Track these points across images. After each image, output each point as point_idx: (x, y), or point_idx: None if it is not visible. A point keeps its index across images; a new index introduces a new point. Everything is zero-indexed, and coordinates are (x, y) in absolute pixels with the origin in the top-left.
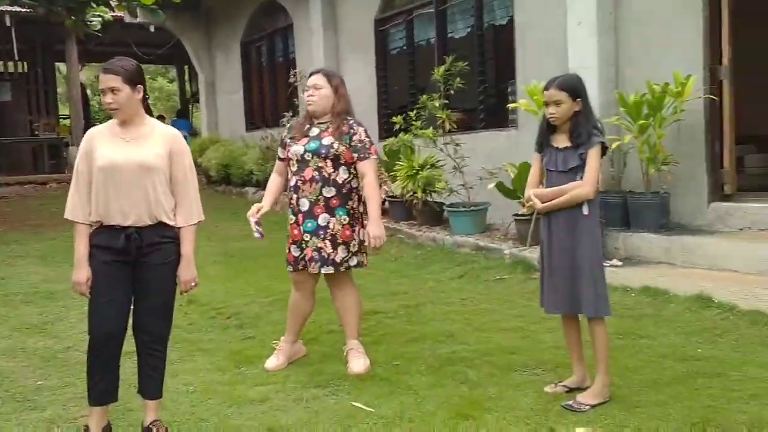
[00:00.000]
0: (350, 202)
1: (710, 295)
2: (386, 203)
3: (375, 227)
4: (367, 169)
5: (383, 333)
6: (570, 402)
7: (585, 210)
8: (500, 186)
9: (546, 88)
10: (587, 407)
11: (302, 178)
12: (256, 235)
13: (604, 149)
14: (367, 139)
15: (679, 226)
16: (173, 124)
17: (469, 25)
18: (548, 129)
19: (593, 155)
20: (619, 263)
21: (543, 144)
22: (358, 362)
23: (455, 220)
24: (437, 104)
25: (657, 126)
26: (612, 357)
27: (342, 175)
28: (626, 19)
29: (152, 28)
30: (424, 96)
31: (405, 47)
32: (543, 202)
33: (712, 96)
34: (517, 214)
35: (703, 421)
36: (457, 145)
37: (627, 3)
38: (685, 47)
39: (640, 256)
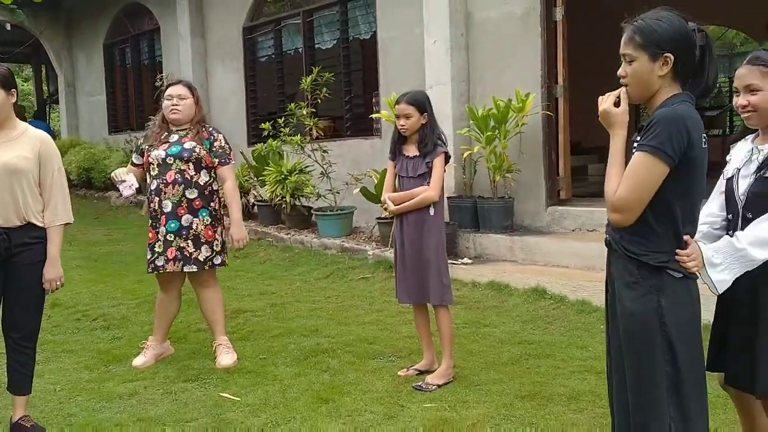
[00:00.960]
0: (212, 204)
1: (545, 288)
2: (255, 207)
3: (238, 229)
4: (228, 174)
5: (251, 330)
6: (419, 383)
7: (431, 211)
8: (364, 191)
9: (397, 103)
10: (434, 386)
11: (164, 181)
12: (127, 192)
13: (447, 158)
14: (227, 146)
15: (522, 228)
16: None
17: (335, 38)
18: (399, 139)
19: (438, 163)
20: (469, 261)
21: (395, 152)
22: (226, 357)
23: (323, 223)
24: (305, 112)
25: (502, 138)
26: (458, 343)
27: (203, 177)
28: (477, 39)
29: (8, 26)
30: (292, 104)
31: (273, 55)
32: (396, 205)
33: (548, 112)
34: (380, 218)
35: (532, 394)
36: (325, 151)
37: (477, 25)
38: (527, 67)
39: (488, 254)
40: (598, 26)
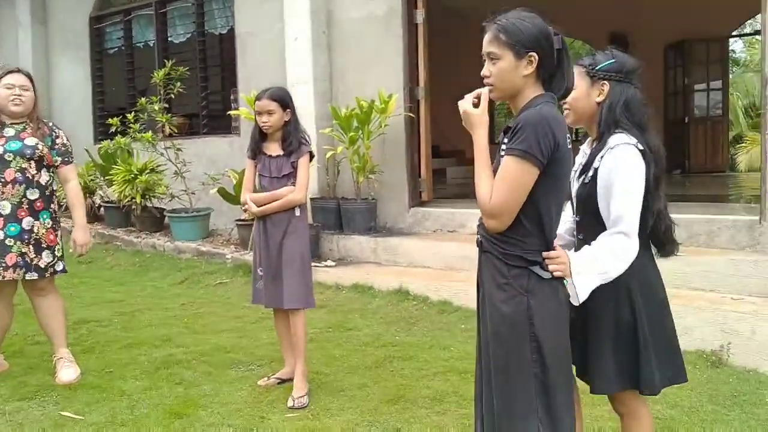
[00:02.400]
0: (52, 206)
1: (407, 289)
2: (102, 209)
3: (82, 233)
4: (71, 173)
5: (95, 341)
6: (291, 405)
7: (297, 212)
8: (222, 191)
9: (258, 99)
10: (304, 399)
11: (2, 180)
12: None
13: (312, 157)
14: (69, 143)
15: (386, 229)
16: None
17: (190, 31)
18: (260, 137)
19: (303, 163)
20: (333, 263)
21: (256, 151)
22: (67, 371)
23: (177, 226)
24: (157, 108)
25: (365, 138)
26: (321, 348)
27: (44, 177)
28: (338, 38)
29: None
30: (143, 99)
31: (123, 48)
32: (259, 206)
33: (410, 114)
34: (239, 220)
35: (396, 398)
36: (179, 149)
37: (339, 23)
38: (389, 68)
39: (352, 256)
40: (456, 31)
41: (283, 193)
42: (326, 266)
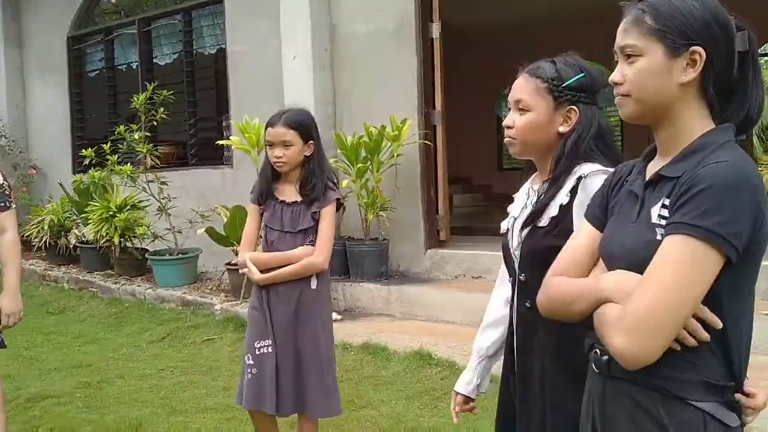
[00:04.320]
0: None
1: (429, 352)
2: (78, 250)
3: (10, 301)
4: (9, 222)
5: (51, 427)
6: None
7: (313, 284)
8: (210, 231)
9: (270, 125)
10: None
11: None
12: None
13: (339, 206)
14: (6, 184)
15: (399, 274)
16: None
17: (177, 51)
18: (273, 176)
19: (328, 215)
20: (339, 317)
21: (264, 194)
22: None
23: (160, 269)
24: (137, 137)
25: (375, 170)
26: None
27: None
28: (343, 56)
29: None
30: (121, 127)
31: (105, 70)
32: (262, 271)
33: (426, 141)
34: (230, 263)
35: None
36: (164, 183)
37: (343, 39)
38: (401, 90)
39: (361, 307)
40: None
41: (298, 255)
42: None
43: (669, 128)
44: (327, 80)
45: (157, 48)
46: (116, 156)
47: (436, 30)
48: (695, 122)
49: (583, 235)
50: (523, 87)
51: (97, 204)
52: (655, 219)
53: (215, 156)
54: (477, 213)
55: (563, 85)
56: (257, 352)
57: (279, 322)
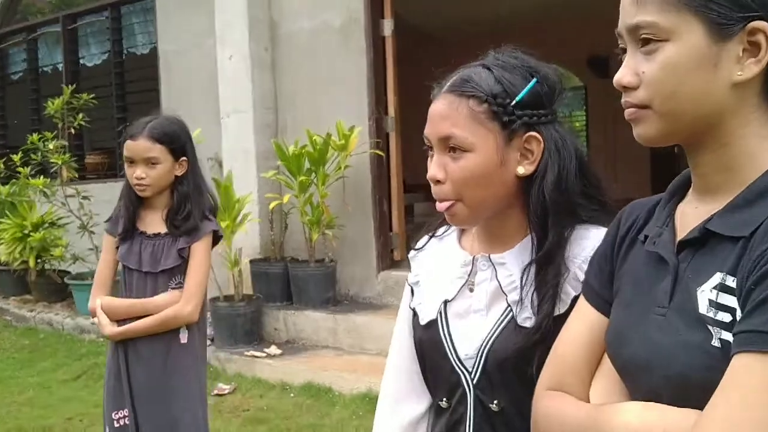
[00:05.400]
0: None
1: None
2: None
3: None
4: None
5: None
6: None
7: (183, 337)
8: None
9: (131, 137)
10: None
11: None
12: None
13: (217, 239)
14: None
15: (348, 300)
16: None
17: (105, 51)
18: (134, 202)
19: (200, 251)
20: (278, 351)
21: (123, 224)
22: None
23: (80, 295)
24: (52, 146)
25: (320, 183)
26: None
27: None
28: (285, 56)
29: None
30: (34, 135)
31: (28, 72)
32: (117, 322)
33: (378, 151)
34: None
35: None
36: (86, 197)
37: (286, 37)
38: (350, 93)
39: (304, 339)
40: (421, 53)
41: (160, 304)
42: (269, 355)
43: (716, 152)
44: (267, 83)
45: (84, 48)
46: (29, 168)
47: (388, 27)
48: (758, 143)
49: (582, 323)
50: (449, 115)
51: (9, 222)
52: (704, 308)
53: None
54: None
55: (513, 102)
56: (115, 425)
57: (140, 386)
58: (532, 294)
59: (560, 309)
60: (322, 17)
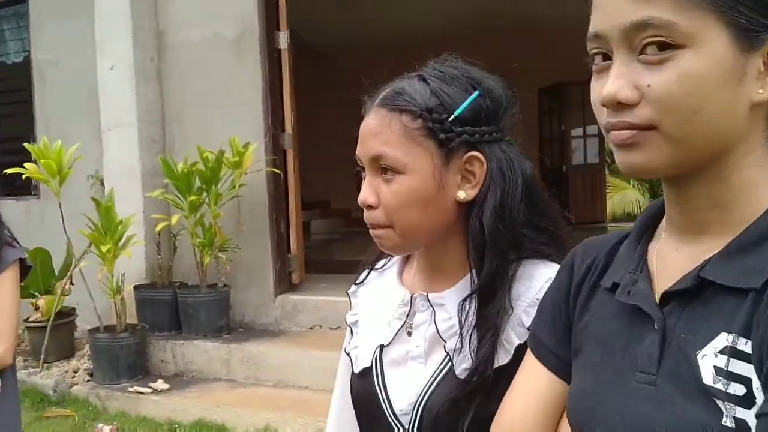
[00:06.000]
0: None
1: (277, 430)
2: None
3: None
4: None
5: None
6: None
7: None
8: None
9: None
10: None
11: None
12: None
13: (26, 269)
14: None
15: (243, 327)
16: None
17: None
18: None
19: (6, 284)
20: (166, 386)
21: None
22: None
23: None
24: None
25: (213, 203)
26: None
27: None
28: (174, 67)
29: None
30: None
31: None
32: None
33: (275, 169)
34: (30, 320)
35: None
36: None
37: (174, 47)
38: (244, 108)
39: (195, 371)
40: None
41: None
42: (155, 390)
43: (711, 185)
44: (153, 95)
45: None
46: None
47: (284, 40)
48: (761, 175)
49: (533, 387)
50: (380, 132)
51: None
52: (710, 378)
53: (21, 185)
54: (336, 242)
55: (451, 117)
56: None
57: None
58: (471, 337)
59: (502, 359)
60: (214, 27)
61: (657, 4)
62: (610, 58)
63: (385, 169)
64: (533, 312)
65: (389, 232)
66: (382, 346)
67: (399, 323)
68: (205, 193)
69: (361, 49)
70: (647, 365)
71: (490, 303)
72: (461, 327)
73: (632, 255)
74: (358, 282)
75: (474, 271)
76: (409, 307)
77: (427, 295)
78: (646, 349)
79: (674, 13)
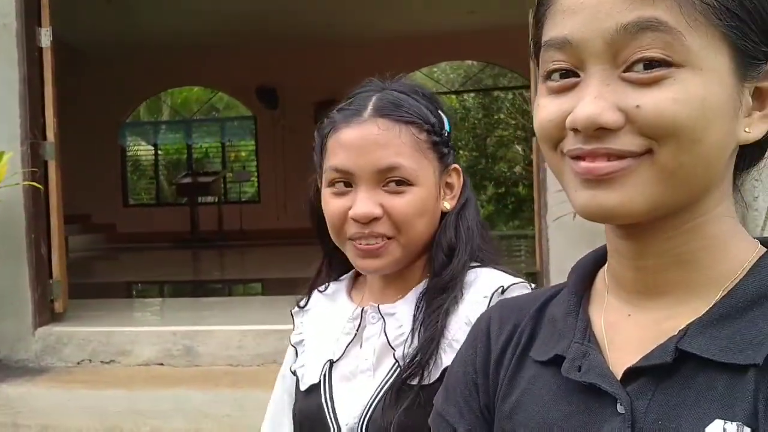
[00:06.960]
0: None
1: None
2: None
3: None
4: None
5: None
6: None
7: None
8: None
9: None
10: None
11: None
12: None
13: None
14: None
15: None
16: None
17: None
18: None
19: None
20: None
21: None
22: None
23: None
24: None
25: None
26: None
27: None
28: None
29: None
30: None
31: None
32: None
33: (34, 183)
34: None
35: None
36: None
37: None
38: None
39: None
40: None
41: None
42: None
43: (676, 238)
44: None
45: None
46: None
47: (46, 38)
48: (733, 226)
49: None
50: (390, 143)
51: None
52: None
53: None
54: (100, 260)
55: (446, 132)
56: None
57: None
58: (419, 333)
59: (430, 376)
60: None
61: (661, 5)
62: (574, 75)
63: (395, 180)
64: (480, 309)
65: (393, 246)
66: (331, 362)
67: (348, 338)
68: None
69: (131, 51)
70: None
71: (439, 303)
72: (412, 326)
73: (572, 321)
74: (302, 305)
75: (434, 269)
76: (359, 320)
77: (378, 306)
78: None
79: (679, 21)
